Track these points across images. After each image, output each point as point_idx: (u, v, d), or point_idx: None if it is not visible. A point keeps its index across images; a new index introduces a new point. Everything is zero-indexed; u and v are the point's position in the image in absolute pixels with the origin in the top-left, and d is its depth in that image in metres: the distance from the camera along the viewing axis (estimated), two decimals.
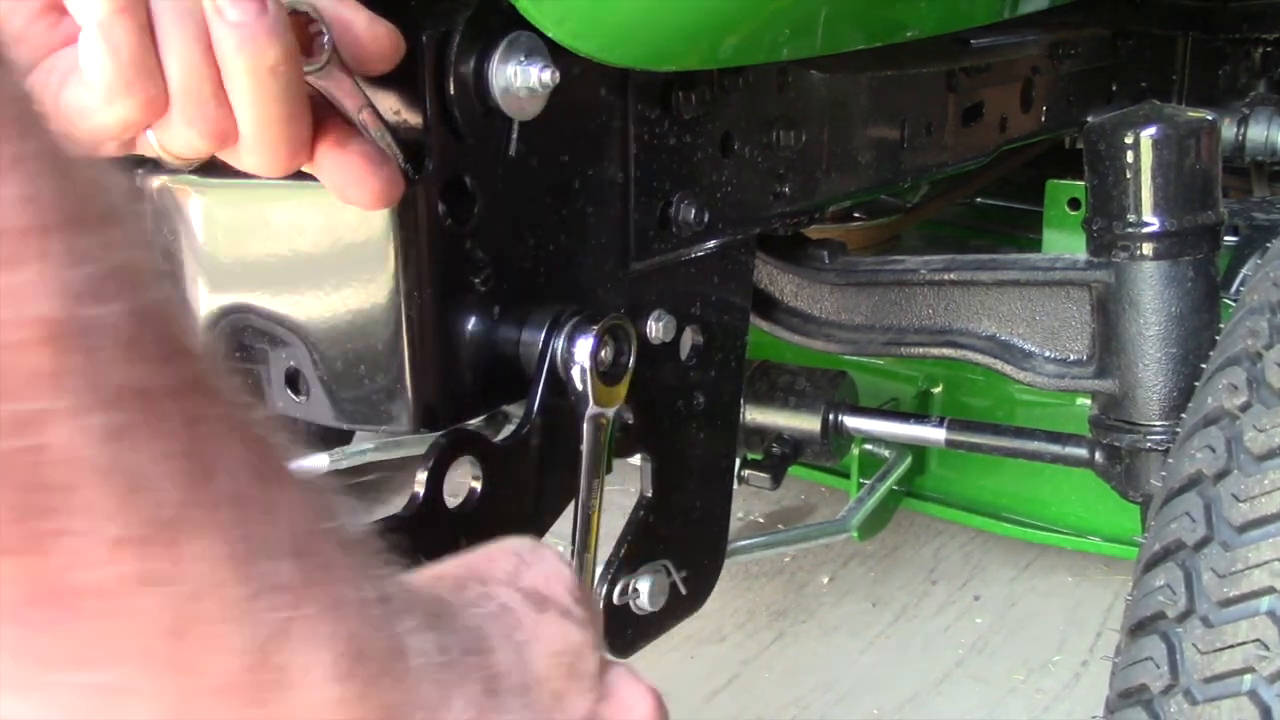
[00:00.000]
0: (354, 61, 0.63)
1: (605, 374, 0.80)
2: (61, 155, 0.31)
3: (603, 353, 0.80)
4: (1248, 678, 0.71)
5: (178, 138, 0.59)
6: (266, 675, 0.38)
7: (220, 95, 0.58)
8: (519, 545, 0.59)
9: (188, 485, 0.34)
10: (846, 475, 1.84)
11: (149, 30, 0.55)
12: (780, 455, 1.45)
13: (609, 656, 0.57)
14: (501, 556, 0.57)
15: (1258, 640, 0.71)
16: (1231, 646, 0.72)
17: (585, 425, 0.78)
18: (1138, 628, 0.79)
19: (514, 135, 0.77)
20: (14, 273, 0.29)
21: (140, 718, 0.35)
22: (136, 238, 0.34)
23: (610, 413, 0.80)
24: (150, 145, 0.61)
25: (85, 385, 0.31)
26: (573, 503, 0.81)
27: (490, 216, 0.77)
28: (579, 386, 0.78)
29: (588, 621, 0.56)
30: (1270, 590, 0.72)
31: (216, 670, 0.36)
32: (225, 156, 0.62)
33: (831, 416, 1.41)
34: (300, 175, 0.65)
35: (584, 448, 0.79)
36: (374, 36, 0.63)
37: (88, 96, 0.56)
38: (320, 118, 0.64)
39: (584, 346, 0.78)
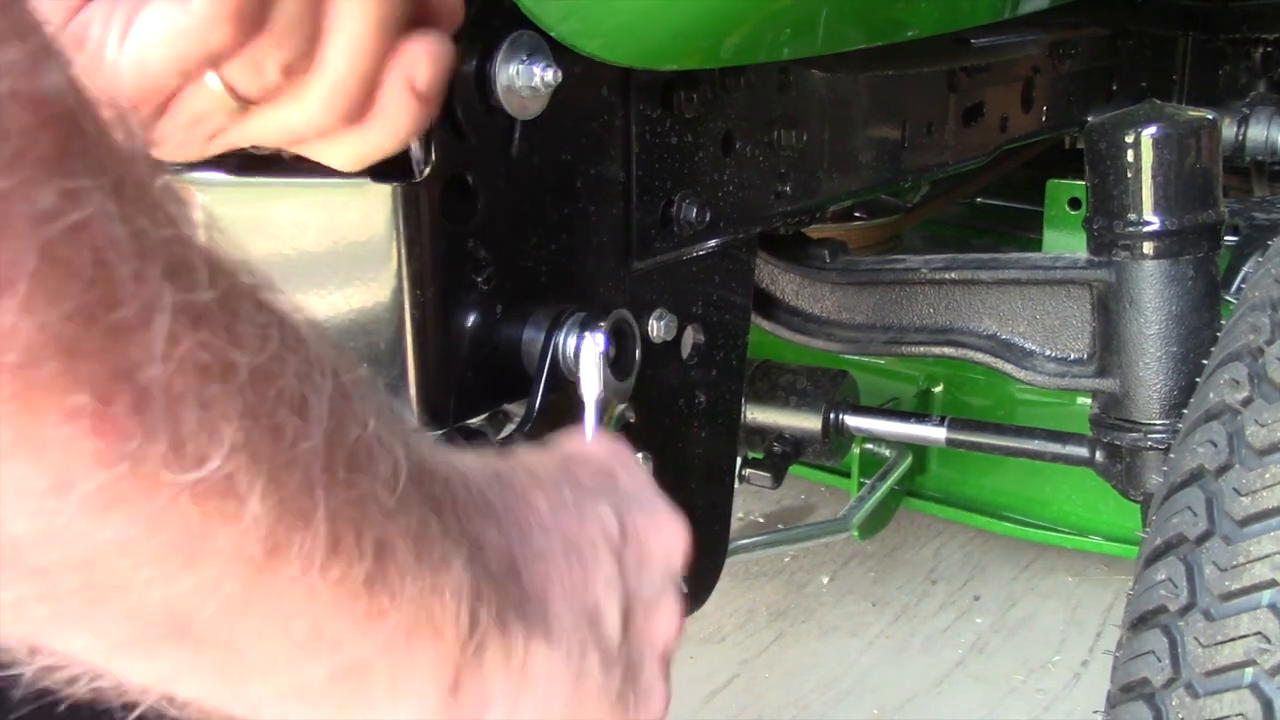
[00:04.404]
0: (422, 22, 0.59)
1: (612, 369, 0.80)
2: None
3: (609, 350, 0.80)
4: (1249, 671, 0.71)
5: (250, 69, 0.54)
6: (376, 580, 0.39)
7: (321, 12, 0.53)
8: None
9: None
10: (847, 475, 1.84)
11: None
12: (781, 454, 1.45)
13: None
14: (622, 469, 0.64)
15: (1259, 633, 0.71)
16: (1233, 640, 0.72)
17: (592, 410, 0.78)
18: (1139, 622, 0.79)
19: (516, 134, 0.77)
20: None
21: (226, 614, 0.35)
22: None
23: (621, 408, 0.80)
24: (210, 92, 0.55)
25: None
26: None
27: (492, 215, 0.77)
28: (590, 376, 0.77)
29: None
30: (1272, 584, 0.72)
31: (326, 587, 0.37)
32: (274, 110, 0.57)
33: (832, 416, 1.41)
34: (303, 174, 0.65)
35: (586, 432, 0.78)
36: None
37: (179, 16, 0.51)
38: None
39: (595, 339, 0.78)
